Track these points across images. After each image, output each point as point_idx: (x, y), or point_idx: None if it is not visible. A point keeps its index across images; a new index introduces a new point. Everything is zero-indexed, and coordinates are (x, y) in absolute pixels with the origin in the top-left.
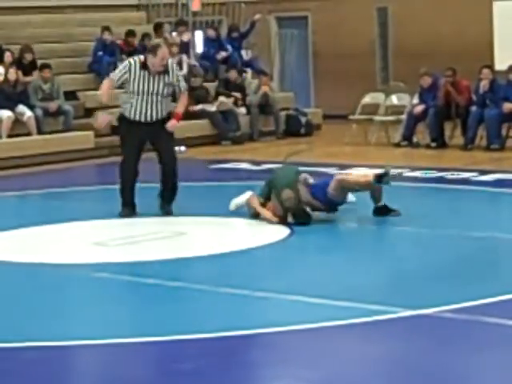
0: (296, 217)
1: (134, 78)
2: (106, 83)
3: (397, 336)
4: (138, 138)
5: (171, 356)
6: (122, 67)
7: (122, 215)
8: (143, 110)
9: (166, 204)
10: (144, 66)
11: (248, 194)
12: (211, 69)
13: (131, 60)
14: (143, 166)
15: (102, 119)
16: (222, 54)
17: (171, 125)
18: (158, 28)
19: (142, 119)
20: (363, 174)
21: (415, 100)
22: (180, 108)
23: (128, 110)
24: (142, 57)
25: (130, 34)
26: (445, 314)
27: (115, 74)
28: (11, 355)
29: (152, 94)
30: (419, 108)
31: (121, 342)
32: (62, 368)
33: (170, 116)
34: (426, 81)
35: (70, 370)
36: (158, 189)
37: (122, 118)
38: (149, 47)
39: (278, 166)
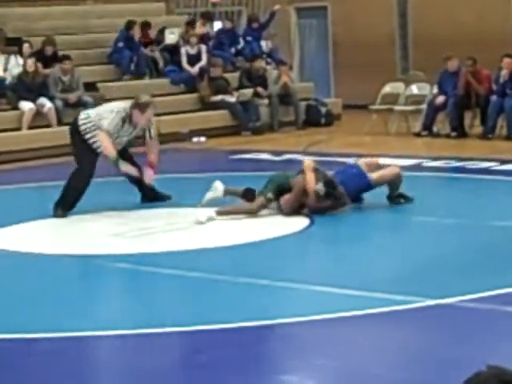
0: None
1: (121, 128)
2: (106, 138)
3: (418, 326)
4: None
5: (190, 347)
6: (114, 117)
7: (59, 215)
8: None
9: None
10: (130, 119)
11: (218, 185)
12: (224, 59)
13: (123, 112)
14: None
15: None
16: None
17: (149, 177)
18: (189, 23)
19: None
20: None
21: (435, 89)
22: (155, 156)
23: (97, 143)
24: (127, 107)
25: (146, 25)
26: (467, 303)
27: (109, 126)
28: (30, 346)
29: (123, 137)
30: (441, 99)
31: (139, 332)
32: (81, 359)
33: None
34: (453, 64)
35: (89, 360)
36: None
37: (85, 135)
38: (138, 102)
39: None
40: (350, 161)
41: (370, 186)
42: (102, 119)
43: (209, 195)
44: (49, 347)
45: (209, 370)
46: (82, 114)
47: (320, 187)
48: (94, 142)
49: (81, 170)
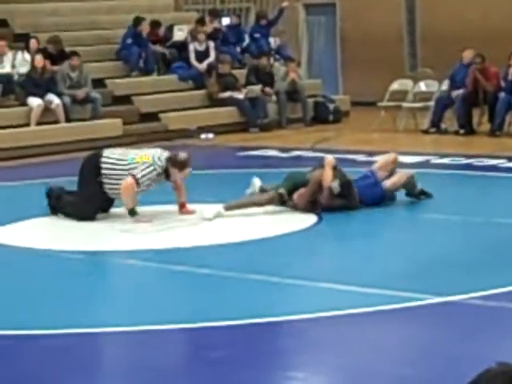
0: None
1: (151, 183)
2: (130, 189)
3: (425, 323)
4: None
5: (200, 343)
6: (149, 171)
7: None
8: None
9: None
10: (166, 173)
11: (256, 181)
12: (231, 56)
13: (158, 166)
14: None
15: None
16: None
17: (190, 214)
18: (199, 21)
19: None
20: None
21: (444, 86)
22: (184, 197)
23: (112, 189)
24: (163, 158)
25: (156, 24)
26: (473, 300)
27: (142, 178)
28: (43, 342)
29: (150, 187)
30: (458, 92)
31: (150, 328)
32: (93, 355)
33: None
34: (468, 55)
35: (100, 356)
36: None
37: (97, 174)
38: (177, 161)
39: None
40: (360, 157)
41: (383, 193)
42: (136, 168)
43: (248, 191)
44: (59, 344)
45: (217, 366)
46: (108, 158)
47: (335, 185)
48: (110, 189)
49: (84, 211)
